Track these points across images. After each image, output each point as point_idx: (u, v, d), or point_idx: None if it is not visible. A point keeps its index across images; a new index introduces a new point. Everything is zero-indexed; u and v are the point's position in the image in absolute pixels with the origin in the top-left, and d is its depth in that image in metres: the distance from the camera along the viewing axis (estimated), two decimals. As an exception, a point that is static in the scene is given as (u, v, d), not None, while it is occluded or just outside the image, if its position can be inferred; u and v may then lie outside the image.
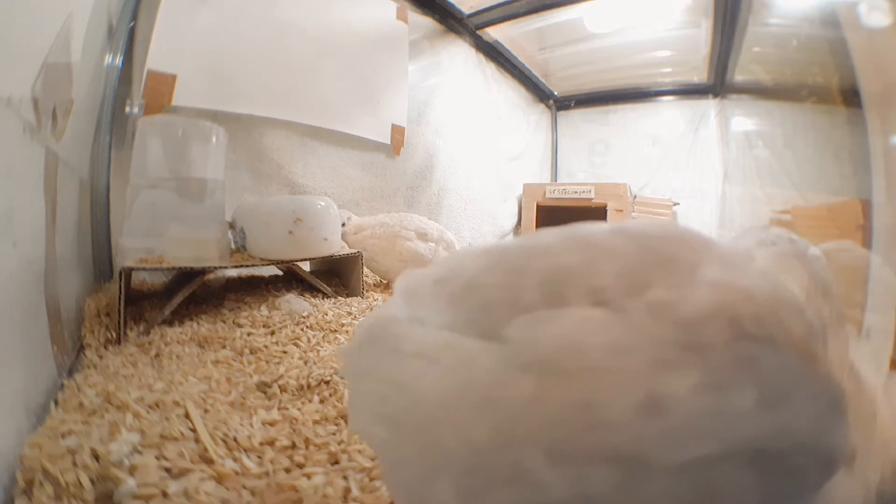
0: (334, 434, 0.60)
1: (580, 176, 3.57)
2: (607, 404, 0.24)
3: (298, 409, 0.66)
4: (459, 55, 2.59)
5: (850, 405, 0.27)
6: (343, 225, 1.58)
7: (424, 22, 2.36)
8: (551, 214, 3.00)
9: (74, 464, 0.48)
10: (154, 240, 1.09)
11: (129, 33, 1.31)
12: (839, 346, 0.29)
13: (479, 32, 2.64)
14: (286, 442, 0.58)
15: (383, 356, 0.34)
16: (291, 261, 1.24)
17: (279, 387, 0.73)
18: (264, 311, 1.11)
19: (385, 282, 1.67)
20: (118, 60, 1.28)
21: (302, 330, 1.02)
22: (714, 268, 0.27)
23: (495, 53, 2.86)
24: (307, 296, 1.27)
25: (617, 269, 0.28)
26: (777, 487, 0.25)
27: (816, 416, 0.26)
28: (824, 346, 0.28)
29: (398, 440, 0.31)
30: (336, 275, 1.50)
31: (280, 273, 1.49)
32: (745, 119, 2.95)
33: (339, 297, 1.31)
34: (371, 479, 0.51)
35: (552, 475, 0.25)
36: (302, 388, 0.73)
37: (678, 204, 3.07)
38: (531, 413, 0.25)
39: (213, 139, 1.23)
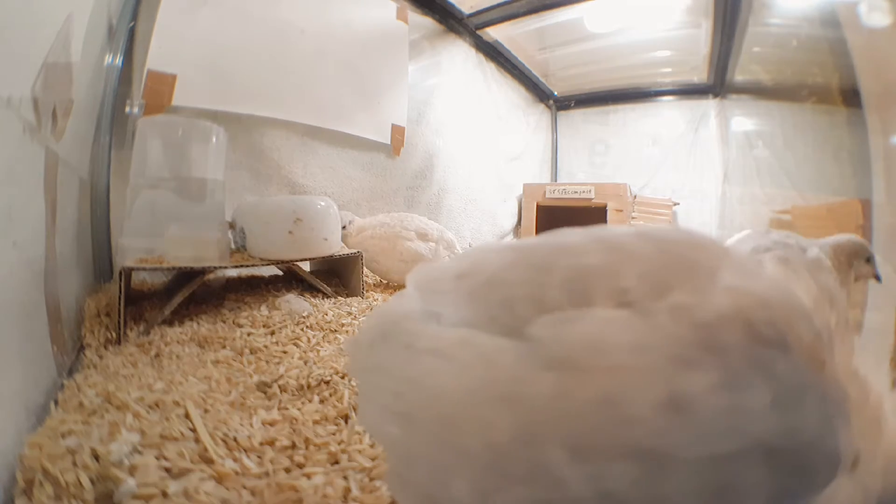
0: (334, 434, 0.60)
1: (580, 176, 3.57)
2: (630, 401, 0.25)
3: (298, 409, 0.66)
4: (459, 55, 2.59)
5: (854, 410, 0.28)
6: (344, 228, 1.58)
7: (424, 22, 2.36)
8: (551, 214, 3.00)
9: (74, 464, 0.48)
10: (154, 240, 1.09)
11: (129, 33, 1.31)
12: (844, 353, 0.30)
13: (479, 32, 2.64)
14: (286, 442, 0.58)
15: (396, 353, 0.34)
16: (291, 261, 1.24)
17: (279, 387, 0.73)
18: (264, 311, 1.11)
19: (385, 282, 1.67)
20: (118, 60, 1.28)
21: (302, 330, 1.02)
22: (731, 274, 0.28)
23: (495, 53, 2.86)
24: (307, 296, 1.27)
25: (641, 271, 0.29)
26: (788, 484, 0.26)
27: (824, 418, 0.26)
28: (831, 352, 0.28)
29: (411, 438, 0.31)
30: (336, 275, 1.50)
31: (280, 273, 1.49)
32: (745, 119, 2.95)
33: (339, 297, 1.31)
34: (371, 479, 0.51)
35: (573, 472, 0.25)
36: (302, 388, 0.73)
37: (678, 204, 3.07)
38: (554, 410, 0.26)
39: (213, 139, 1.23)
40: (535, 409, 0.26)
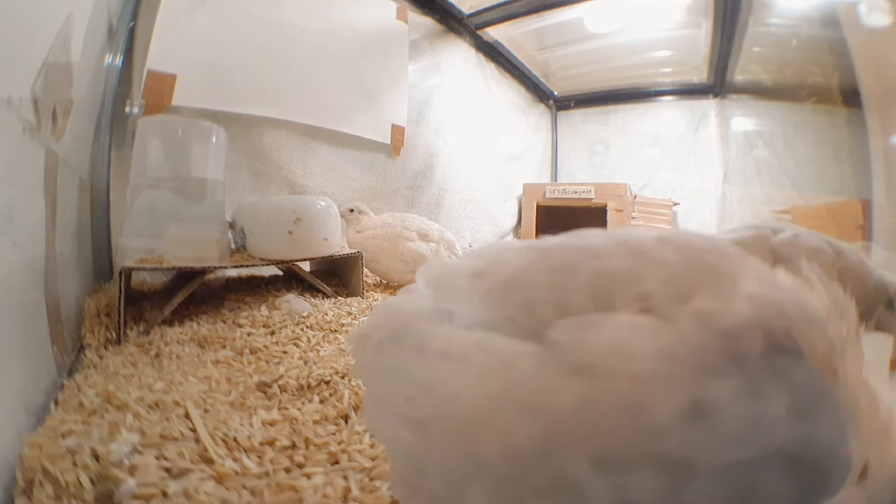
0: (334, 434, 0.60)
1: (580, 176, 3.57)
2: (654, 409, 0.24)
3: (298, 409, 0.66)
4: (459, 55, 2.59)
5: (864, 419, 0.28)
6: (352, 211, 1.58)
7: (424, 22, 2.36)
8: (551, 214, 3.00)
9: (74, 464, 0.48)
10: (154, 240, 1.09)
11: (129, 33, 1.31)
12: (855, 363, 0.30)
13: (479, 32, 2.64)
14: (286, 442, 0.58)
15: (407, 355, 0.33)
16: (291, 261, 1.24)
17: (279, 387, 0.73)
18: (264, 311, 1.11)
19: (385, 282, 1.67)
20: (118, 60, 1.28)
21: (302, 330, 1.02)
22: (752, 282, 0.28)
23: (495, 53, 2.86)
24: (307, 296, 1.27)
25: (664, 276, 0.28)
26: (805, 491, 0.26)
27: (837, 426, 0.27)
28: (843, 361, 0.29)
29: (424, 444, 0.30)
30: (336, 275, 1.50)
31: (280, 273, 1.49)
32: (744, 119, 2.96)
33: (339, 297, 1.31)
34: (371, 479, 0.51)
35: (596, 483, 0.25)
36: (302, 388, 0.73)
37: (678, 204, 3.07)
38: (577, 419, 0.25)
39: (213, 139, 1.23)
40: (558, 418, 0.25)
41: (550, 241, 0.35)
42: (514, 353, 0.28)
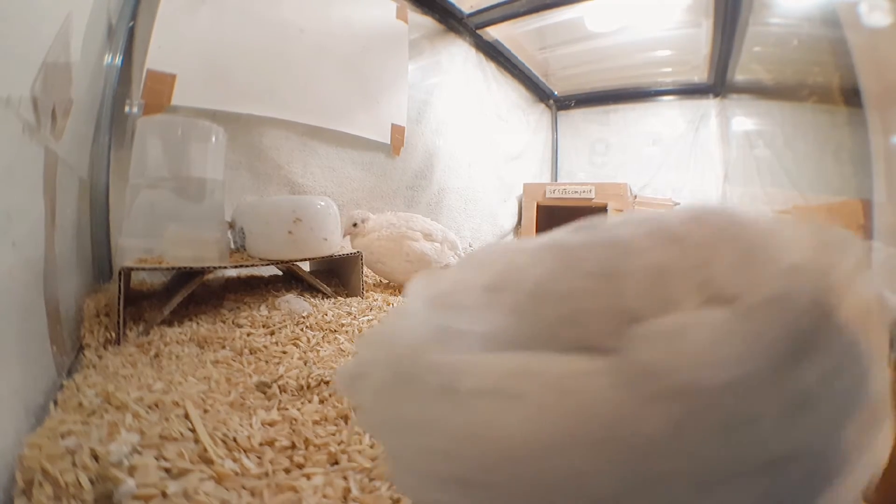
0: (334, 434, 0.60)
1: (580, 176, 3.57)
2: (757, 417, 0.23)
3: (298, 410, 0.66)
4: (459, 55, 2.58)
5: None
6: (356, 226, 1.56)
7: (424, 21, 2.36)
8: (552, 214, 3.00)
9: (74, 464, 0.47)
10: (153, 240, 1.08)
11: (128, 32, 1.31)
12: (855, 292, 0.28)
13: (479, 32, 2.63)
14: (286, 442, 0.57)
15: (429, 399, 0.28)
16: (291, 261, 1.24)
17: (279, 387, 0.73)
18: (264, 311, 1.11)
19: (386, 282, 1.67)
20: (117, 60, 1.28)
21: (301, 330, 1.02)
22: (781, 249, 0.27)
23: (495, 53, 2.85)
24: (307, 296, 1.27)
25: (712, 261, 0.26)
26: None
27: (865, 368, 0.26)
28: (840, 298, 0.28)
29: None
30: (336, 275, 1.50)
31: (280, 273, 1.49)
32: (745, 119, 2.95)
33: (339, 298, 1.31)
34: (371, 480, 0.51)
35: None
36: (302, 388, 0.73)
37: (679, 204, 3.07)
38: (673, 448, 0.23)
39: (213, 139, 1.23)
40: (651, 453, 0.23)
41: (567, 239, 0.31)
42: (571, 375, 0.25)
